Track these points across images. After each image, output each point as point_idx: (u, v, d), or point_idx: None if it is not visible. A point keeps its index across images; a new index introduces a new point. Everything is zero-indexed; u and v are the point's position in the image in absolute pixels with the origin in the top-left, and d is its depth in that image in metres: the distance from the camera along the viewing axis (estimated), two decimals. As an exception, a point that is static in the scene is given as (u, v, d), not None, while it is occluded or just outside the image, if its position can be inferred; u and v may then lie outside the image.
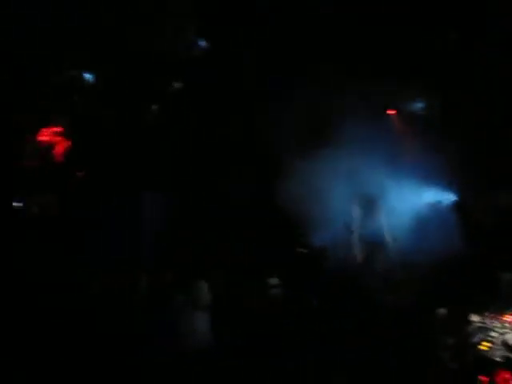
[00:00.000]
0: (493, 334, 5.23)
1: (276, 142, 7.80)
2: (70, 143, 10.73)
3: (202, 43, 8.81)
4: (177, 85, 9.02)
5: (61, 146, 10.81)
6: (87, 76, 10.04)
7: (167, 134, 8.82)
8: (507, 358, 4.98)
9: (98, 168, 9.48)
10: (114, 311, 5.55)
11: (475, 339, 5.18)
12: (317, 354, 4.46)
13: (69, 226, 8.21)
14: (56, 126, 10.70)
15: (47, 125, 10.66)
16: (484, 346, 5.11)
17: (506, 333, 5.17)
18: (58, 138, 10.77)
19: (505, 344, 5.07)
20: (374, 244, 7.70)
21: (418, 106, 8.77)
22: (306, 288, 6.51)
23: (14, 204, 9.24)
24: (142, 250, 7.63)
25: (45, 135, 10.68)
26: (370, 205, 8.01)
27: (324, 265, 7.22)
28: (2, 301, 5.65)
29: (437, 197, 8.19)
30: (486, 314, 5.43)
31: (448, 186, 8.10)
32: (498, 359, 4.96)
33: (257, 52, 8.35)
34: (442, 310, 5.50)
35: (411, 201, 8.04)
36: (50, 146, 10.80)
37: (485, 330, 5.24)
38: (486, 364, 4.86)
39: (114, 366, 4.41)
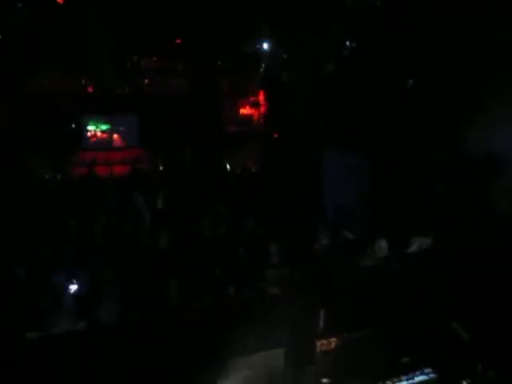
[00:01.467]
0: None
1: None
2: (265, 111, 12.05)
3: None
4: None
5: (258, 114, 12.16)
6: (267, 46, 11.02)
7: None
8: None
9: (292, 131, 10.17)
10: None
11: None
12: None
13: (268, 185, 8.96)
14: (253, 95, 12.12)
15: (246, 95, 12.11)
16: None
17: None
18: (256, 107, 12.14)
19: None
20: None
21: None
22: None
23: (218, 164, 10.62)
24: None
25: (244, 104, 12.20)
26: None
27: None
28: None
29: None
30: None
31: None
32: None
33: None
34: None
35: None
36: (249, 114, 12.25)
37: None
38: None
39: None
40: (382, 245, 5.49)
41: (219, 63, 11.74)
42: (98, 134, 11.32)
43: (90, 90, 11.29)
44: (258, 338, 3.43)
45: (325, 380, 3.14)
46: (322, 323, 3.52)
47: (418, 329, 3.41)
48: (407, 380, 3.15)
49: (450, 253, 4.71)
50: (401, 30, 8.51)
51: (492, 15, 7.73)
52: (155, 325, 4.08)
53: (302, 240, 6.02)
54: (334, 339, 3.13)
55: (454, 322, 3.42)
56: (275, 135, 11.67)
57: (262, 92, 12.08)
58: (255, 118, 12.38)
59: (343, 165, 8.10)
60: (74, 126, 11.09)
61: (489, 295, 3.67)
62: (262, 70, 11.31)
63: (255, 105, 12.32)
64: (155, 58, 11.91)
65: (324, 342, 3.12)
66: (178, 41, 11.66)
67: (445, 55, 8.16)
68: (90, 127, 11.26)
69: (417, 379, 3.16)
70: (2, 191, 7.94)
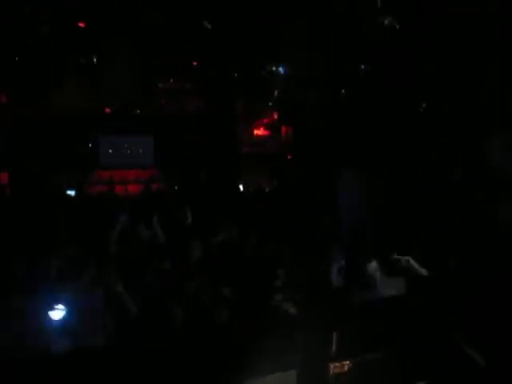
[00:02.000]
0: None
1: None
2: (280, 132, 12.17)
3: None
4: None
5: (273, 135, 12.25)
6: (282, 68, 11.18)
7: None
8: None
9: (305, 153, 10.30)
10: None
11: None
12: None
13: (281, 204, 8.80)
14: (268, 118, 12.25)
15: (261, 117, 12.24)
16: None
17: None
18: (271, 129, 12.25)
19: None
20: None
21: None
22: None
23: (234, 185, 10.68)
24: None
25: (259, 126, 12.31)
26: None
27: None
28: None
29: None
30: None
31: None
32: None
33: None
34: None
35: None
36: (263, 135, 12.34)
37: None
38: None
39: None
40: (373, 265, 5.40)
41: (235, 85, 11.89)
42: (115, 153, 11.46)
43: (108, 110, 11.49)
44: (270, 358, 3.42)
45: (338, 403, 3.13)
46: (335, 345, 3.51)
47: (433, 352, 3.37)
48: (422, 405, 3.12)
49: (467, 274, 4.65)
50: (417, 52, 8.55)
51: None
52: (164, 343, 4.08)
53: (318, 263, 6.00)
54: (347, 362, 3.12)
55: (470, 347, 3.38)
56: (289, 156, 11.72)
57: (276, 113, 12.17)
58: (269, 139, 12.46)
59: (357, 184, 8.07)
60: (91, 145, 11.26)
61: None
62: (277, 91, 11.41)
63: (270, 126, 12.41)
64: (172, 80, 12.10)
65: (337, 364, 3.11)
66: (195, 63, 11.86)
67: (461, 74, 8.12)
68: (107, 146, 11.42)
69: (431, 405, 3.13)
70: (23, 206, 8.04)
